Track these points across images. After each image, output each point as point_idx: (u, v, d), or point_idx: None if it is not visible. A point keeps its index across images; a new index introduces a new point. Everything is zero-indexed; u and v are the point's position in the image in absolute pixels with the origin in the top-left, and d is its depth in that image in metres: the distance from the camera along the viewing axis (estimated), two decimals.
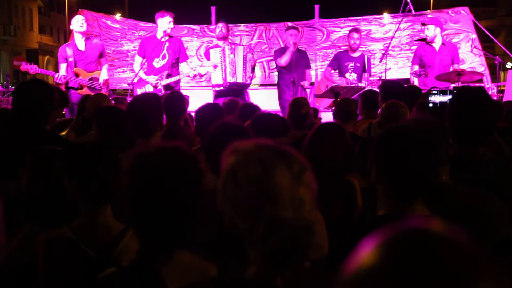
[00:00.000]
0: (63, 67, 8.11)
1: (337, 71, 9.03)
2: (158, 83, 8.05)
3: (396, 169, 1.91)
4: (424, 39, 8.70)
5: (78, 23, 8.23)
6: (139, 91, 8.04)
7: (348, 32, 9.23)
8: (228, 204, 1.40)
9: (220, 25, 8.93)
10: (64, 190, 2.26)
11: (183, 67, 8.38)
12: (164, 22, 8.13)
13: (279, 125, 3.88)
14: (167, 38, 8.16)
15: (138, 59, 8.28)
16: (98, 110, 3.99)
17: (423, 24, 8.64)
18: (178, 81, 8.32)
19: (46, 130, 3.57)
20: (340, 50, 9.61)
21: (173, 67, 8.23)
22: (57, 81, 7.98)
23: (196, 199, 1.68)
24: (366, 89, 7.31)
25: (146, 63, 8.14)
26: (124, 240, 2.15)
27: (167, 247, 1.67)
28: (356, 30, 9.08)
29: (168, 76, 8.14)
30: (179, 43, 8.40)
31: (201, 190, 1.70)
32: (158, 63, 8.18)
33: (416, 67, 8.47)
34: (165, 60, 8.18)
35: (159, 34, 8.18)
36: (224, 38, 8.84)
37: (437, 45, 8.43)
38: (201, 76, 8.79)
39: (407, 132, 1.95)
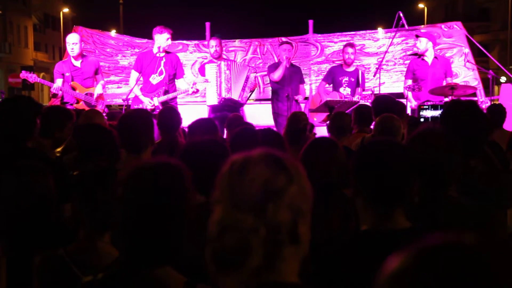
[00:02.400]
0: (58, 81, 8.06)
1: (331, 85, 9.06)
2: (153, 104, 7.98)
3: (370, 183, 1.93)
4: (417, 54, 8.75)
5: (69, 47, 8.16)
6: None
7: (342, 46, 9.27)
8: (228, 201, 1.37)
9: (213, 43, 8.89)
10: (48, 209, 2.24)
11: (180, 83, 8.34)
12: (162, 39, 8.13)
13: (257, 142, 3.81)
14: (163, 54, 8.15)
15: (134, 74, 8.23)
16: (77, 128, 3.92)
17: (417, 36, 8.69)
18: (174, 97, 8.29)
19: (28, 147, 3.52)
20: (334, 65, 9.65)
21: (170, 83, 8.20)
22: (54, 91, 7.93)
23: (183, 215, 1.69)
24: (360, 103, 7.34)
25: (142, 79, 8.14)
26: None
27: (149, 262, 1.67)
28: (351, 45, 9.09)
29: (165, 92, 8.11)
30: (176, 59, 8.38)
31: (188, 206, 1.70)
32: (154, 79, 8.16)
33: (409, 81, 8.52)
34: (162, 76, 8.14)
35: (156, 50, 8.17)
36: (218, 57, 8.85)
37: (429, 59, 8.49)
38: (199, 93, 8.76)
39: (385, 146, 1.97)
